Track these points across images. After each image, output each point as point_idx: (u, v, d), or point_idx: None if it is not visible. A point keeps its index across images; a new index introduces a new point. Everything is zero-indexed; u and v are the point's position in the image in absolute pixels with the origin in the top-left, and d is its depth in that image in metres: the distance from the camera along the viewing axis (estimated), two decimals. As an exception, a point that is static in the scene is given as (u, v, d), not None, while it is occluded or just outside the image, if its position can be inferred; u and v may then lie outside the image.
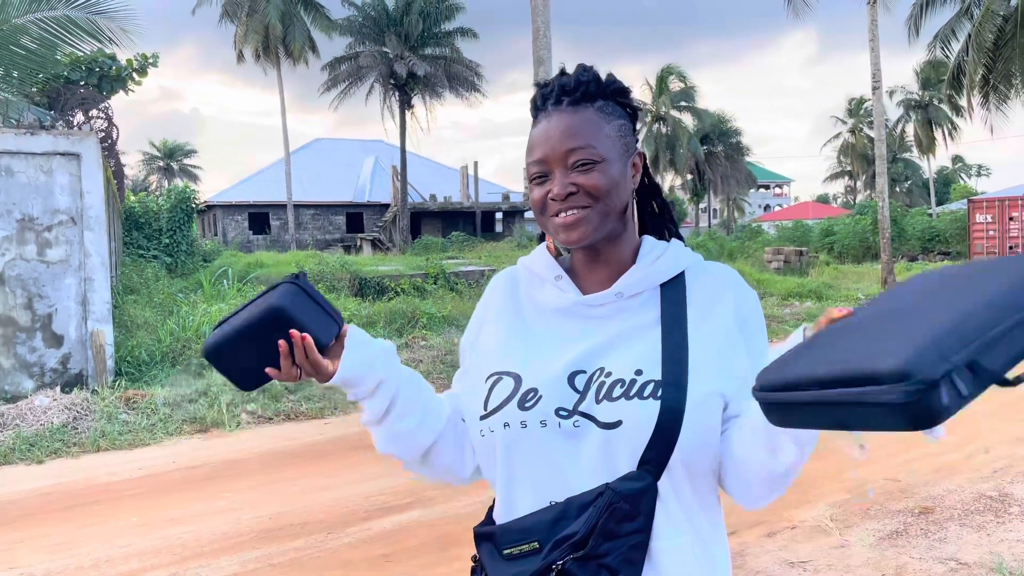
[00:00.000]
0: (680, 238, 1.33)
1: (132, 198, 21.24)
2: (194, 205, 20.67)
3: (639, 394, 1.13)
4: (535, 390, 1.18)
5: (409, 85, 30.64)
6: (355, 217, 38.20)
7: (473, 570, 1.27)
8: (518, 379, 1.20)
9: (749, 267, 19.82)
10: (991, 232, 27.09)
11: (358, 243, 35.02)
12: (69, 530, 4.56)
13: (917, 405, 0.82)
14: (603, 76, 1.25)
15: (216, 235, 36.10)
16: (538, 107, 1.26)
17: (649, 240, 1.29)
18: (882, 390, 0.82)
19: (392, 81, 30.45)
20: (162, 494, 5.18)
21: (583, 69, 1.25)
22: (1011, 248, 26.35)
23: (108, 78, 15.00)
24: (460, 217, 38.01)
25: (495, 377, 1.23)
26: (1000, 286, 0.85)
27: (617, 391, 1.14)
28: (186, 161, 62.88)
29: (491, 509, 1.29)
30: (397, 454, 1.30)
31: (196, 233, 22.59)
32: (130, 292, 12.55)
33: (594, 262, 1.27)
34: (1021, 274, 0.86)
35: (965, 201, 31.60)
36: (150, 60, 15.67)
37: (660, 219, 1.35)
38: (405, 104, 31.40)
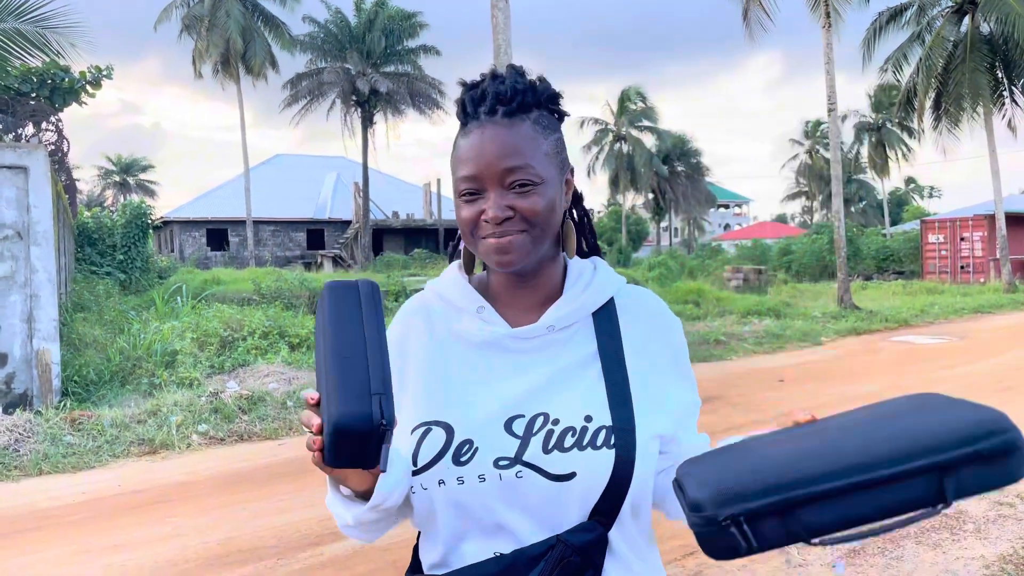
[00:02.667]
0: (598, 252, 1.28)
1: (86, 213, 20.79)
2: (150, 221, 20.33)
3: (592, 443, 1.07)
4: (470, 442, 1.10)
5: (371, 102, 30.55)
6: (316, 234, 37.86)
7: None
8: (449, 429, 1.11)
9: (709, 285, 19.99)
10: (943, 252, 27.73)
11: (319, 260, 34.70)
12: (5, 559, 4.35)
13: (705, 539, 0.86)
14: (536, 81, 1.17)
15: (173, 252, 35.52)
16: (467, 113, 1.15)
17: (575, 264, 1.22)
18: (689, 516, 0.88)
19: (354, 97, 30.33)
20: (105, 519, 4.99)
21: (517, 74, 1.16)
22: (962, 268, 26.99)
23: (60, 90, 14.69)
24: (423, 234, 37.88)
25: (423, 428, 1.12)
26: (869, 440, 0.86)
27: (568, 440, 1.07)
28: (143, 176, 61.87)
29: (416, 548, 1.21)
30: (358, 538, 1.17)
31: (152, 249, 22.18)
32: (80, 309, 12.23)
33: (520, 287, 1.19)
34: (889, 434, 0.86)
35: (918, 222, 32.32)
36: (104, 72, 15.37)
37: (581, 227, 1.27)
38: (367, 121, 31.28)
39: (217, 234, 36.60)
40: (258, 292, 14.51)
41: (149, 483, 5.80)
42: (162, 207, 35.93)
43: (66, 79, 15.17)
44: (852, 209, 55.32)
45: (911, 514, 0.82)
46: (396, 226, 36.69)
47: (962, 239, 27.31)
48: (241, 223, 33.95)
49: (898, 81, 24.32)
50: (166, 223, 35.95)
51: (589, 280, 1.20)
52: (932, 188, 75.28)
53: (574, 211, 1.26)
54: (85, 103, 16.31)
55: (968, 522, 4.61)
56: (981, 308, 17.88)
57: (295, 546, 4.43)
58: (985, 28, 22.01)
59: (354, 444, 0.90)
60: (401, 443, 1.13)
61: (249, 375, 8.91)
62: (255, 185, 33.68)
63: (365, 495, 1.04)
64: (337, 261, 33.43)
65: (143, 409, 7.34)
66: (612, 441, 1.07)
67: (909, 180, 71.60)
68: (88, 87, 15.68)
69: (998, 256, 23.60)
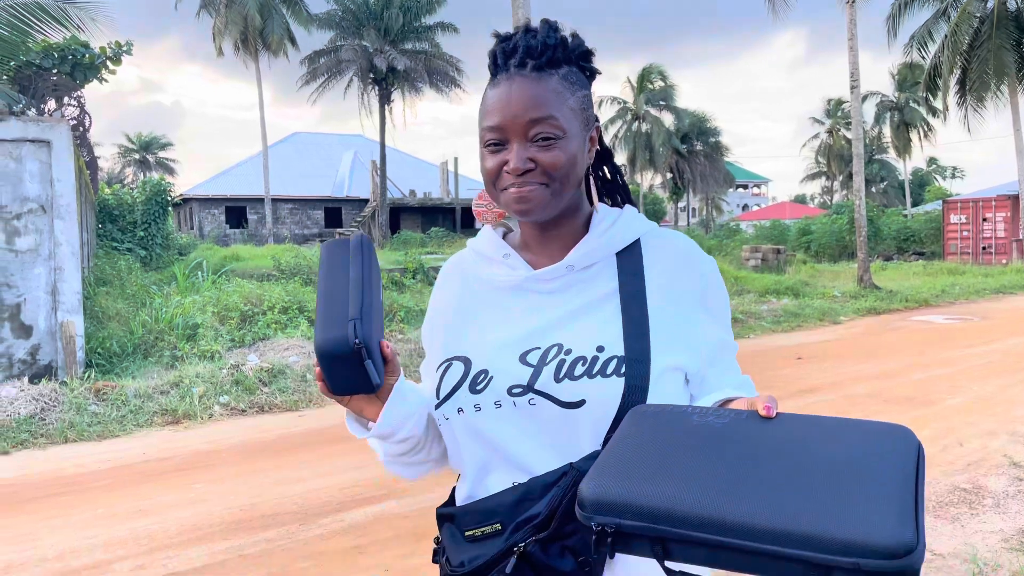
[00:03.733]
0: (632, 203, 1.29)
1: (106, 190, 20.94)
2: (169, 198, 20.43)
3: (602, 372, 1.09)
4: (485, 371, 1.14)
5: (388, 80, 30.47)
6: (334, 212, 37.97)
7: (435, 552, 1.22)
8: (467, 362, 1.17)
9: (727, 264, 19.88)
10: (965, 232, 27.41)
11: (337, 237, 34.80)
12: (33, 521, 4.45)
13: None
14: (569, 37, 1.18)
15: (192, 229, 35.73)
16: (498, 65, 1.17)
17: (602, 209, 1.24)
18: (869, 563, 0.79)
19: (371, 75, 30.27)
20: (130, 485, 5.08)
21: (550, 29, 1.17)
22: (984, 248, 26.67)
23: (81, 66, 14.76)
24: (440, 213, 37.88)
25: (445, 363, 1.19)
26: (775, 506, 0.83)
27: (579, 369, 1.10)
28: (162, 154, 62.12)
29: (454, 489, 1.25)
30: (399, 473, 1.29)
31: (172, 226, 22.32)
32: (102, 284, 12.35)
33: (545, 235, 1.23)
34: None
35: (940, 202, 31.95)
36: (124, 48, 15.43)
37: (612, 184, 1.30)
38: (385, 99, 31.23)
39: (236, 212, 36.78)
40: (277, 268, 14.60)
41: (172, 451, 5.89)
42: (182, 185, 36.19)
43: (86, 55, 15.25)
44: (873, 190, 54.78)
45: None
46: (413, 204, 36.71)
47: (984, 220, 26.97)
48: (260, 201, 34.10)
49: (923, 59, 23.97)
50: (186, 200, 36.14)
51: (613, 222, 1.21)
52: (955, 168, 74.26)
53: (604, 167, 1.28)
54: (105, 80, 16.41)
55: (987, 497, 4.60)
56: (1003, 289, 17.70)
57: (316, 512, 4.49)
58: (1012, 4, 21.62)
59: (340, 366, 1.01)
60: (429, 380, 1.20)
61: (269, 349, 8.99)
62: (273, 163, 33.80)
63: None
64: (355, 239, 33.50)
65: (166, 380, 7.44)
66: (623, 370, 1.09)
67: (931, 160, 70.73)
68: (108, 63, 15.76)
69: (1021, 237, 23.31)
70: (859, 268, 17.44)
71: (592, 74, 1.22)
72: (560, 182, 1.14)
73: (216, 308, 10.31)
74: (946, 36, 22.16)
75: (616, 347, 1.11)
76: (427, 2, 30.57)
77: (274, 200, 33.71)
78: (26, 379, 7.55)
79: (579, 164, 1.16)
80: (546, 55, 1.14)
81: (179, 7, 30.85)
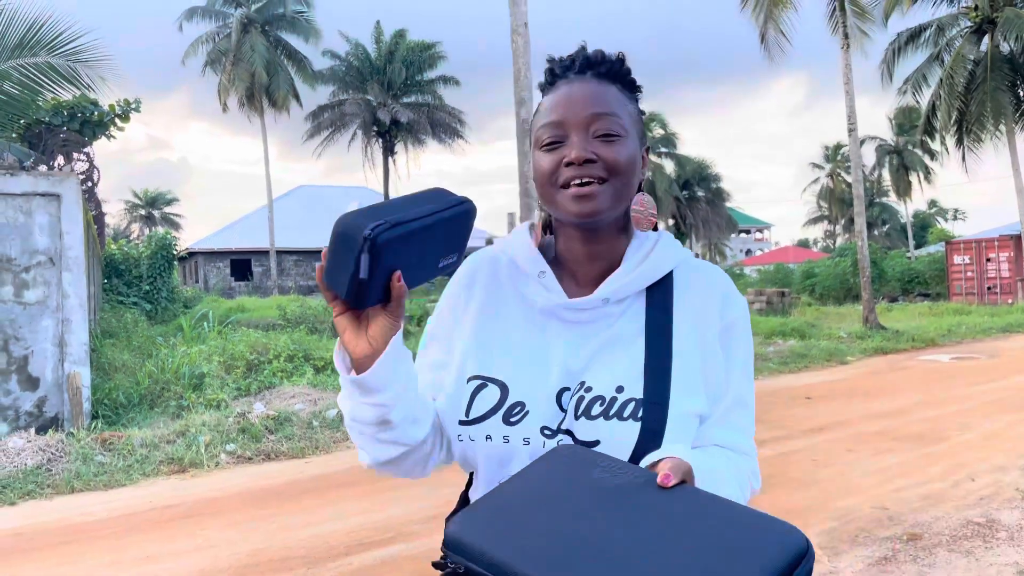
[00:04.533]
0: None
1: (112, 245, 21.13)
2: (175, 252, 20.61)
3: (619, 414, 1.08)
4: (522, 404, 1.13)
5: (392, 132, 30.92)
6: (338, 264, 38.10)
7: (443, 560, 1.22)
8: (504, 389, 1.14)
9: (732, 308, 19.86)
10: (969, 273, 27.43)
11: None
12: (41, 571, 4.41)
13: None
14: (622, 59, 1.21)
15: (197, 282, 35.92)
16: (556, 75, 1.19)
17: (639, 236, 1.22)
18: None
19: (375, 128, 30.72)
20: (137, 533, 5.05)
21: (603, 51, 1.20)
22: (989, 289, 26.66)
23: (90, 123, 15.01)
24: (443, 262, 38.00)
25: (479, 382, 1.16)
26: None
27: (596, 409, 1.10)
28: (168, 209, 62.83)
29: (462, 496, 1.25)
30: (362, 448, 1.17)
31: (177, 280, 22.47)
32: (108, 336, 12.41)
33: (588, 247, 1.19)
34: None
35: (943, 244, 32.03)
36: (132, 106, 15.70)
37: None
38: (388, 151, 31.64)
39: (241, 264, 37.00)
40: (283, 317, 14.66)
41: (179, 499, 5.86)
42: (187, 239, 36.50)
43: (95, 112, 15.51)
44: (875, 232, 54.97)
45: None
46: (418, 254, 36.87)
47: (988, 260, 27.01)
48: (264, 253, 34.34)
49: (917, 102, 24.27)
50: (191, 254, 36.42)
51: (648, 252, 1.19)
52: (956, 210, 74.60)
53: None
54: (114, 136, 16.65)
55: (1001, 530, 4.55)
56: (1009, 327, 17.66)
57: (324, 556, 4.45)
58: (1005, 47, 21.96)
59: (340, 249, 0.97)
60: (456, 392, 1.16)
61: (275, 397, 8.98)
62: (279, 216, 34.11)
63: (360, 370, 1.05)
64: (359, 290, 33.62)
65: (172, 430, 7.42)
66: (639, 414, 1.08)
67: (932, 203, 71.08)
68: (117, 120, 16.01)
69: (1025, 276, 23.31)
70: (864, 308, 17.43)
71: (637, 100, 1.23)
72: (620, 181, 1.12)
73: (222, 357, 10.33)
74: (941, 80, 22.47)
75: (635, 389, 1.10)
76: (428, 56, 31.18)
77: (279, 252, 33.95)
78: (32, 430, 7.54)
79: (636, 171, 1.16)
80: (605, 66, 1.17)
81: (186, 64, 31.49)
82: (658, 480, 0.92)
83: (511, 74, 10.27)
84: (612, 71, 1.17)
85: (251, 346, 10.74)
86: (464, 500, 1.24)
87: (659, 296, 1.17)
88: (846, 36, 17.74)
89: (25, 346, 8.12)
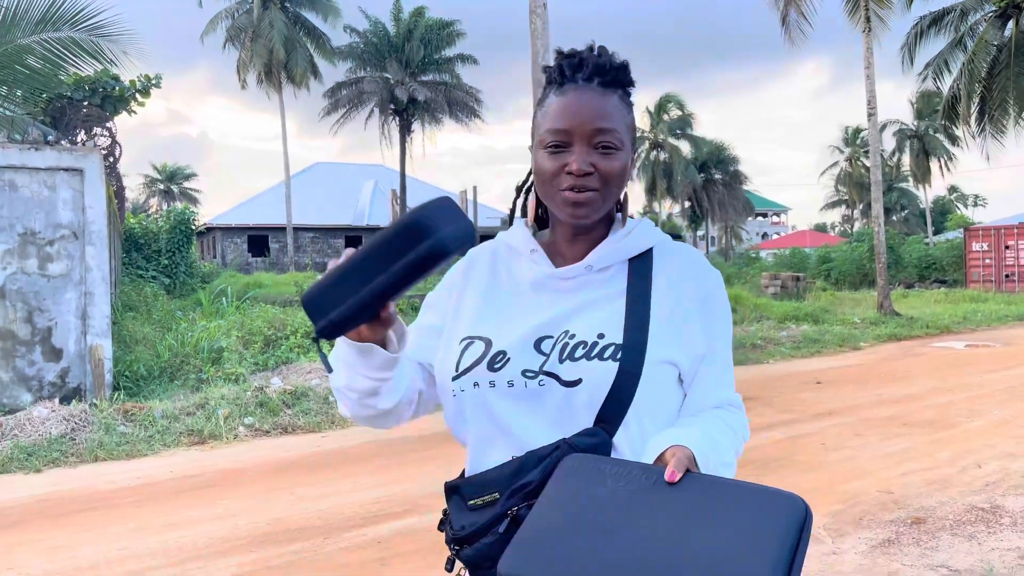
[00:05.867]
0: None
1: (132, 219, 21.34)
2: (193, 227, 20.79)
3: (599, 355, 1.20)
4: (503, 352, 1.25)
5: (409, 110, 30.90)
6: (354, 240, 38.32)
7: (441, 521, 1.33)
8: (488, 343, 1.27)
9: (746, 292, 19.90)
10: (987, 260, 27.21)
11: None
12: (67, 534, 4.58)
13: None
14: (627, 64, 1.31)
15: (215, 257, 36.20)
16: (564, 76, 1.28)
17: (625, 222, 1.35)
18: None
19: (392, 106, 30.71)
20: (159, 501, 5.20)
21: (610, 54, 1.29)
22: (1007, 276, 26.48)
23: (111, 98, 15.16)
24: (459, 241, 38.07)
25: (467, 341, 1.29)
26: None
27: (579, 352, 1.21)
28: (186, 184, 63.14)
29: (447, 486, 1.36)
30: (343, 400, 1.30)
31: (195, 255, 22.68)
32: (129, 309, 12.60)
33: (576, 236, 1.33)
34: None
35: (961, 230, 31.78)
36: (153, 81, 15.84)
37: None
38: (405, 129, 31.65)
39: (258, 240, 37.24)
40: (300, 293, 14.78)
41: (199, 470, 6.02)
42: (205, 214, 36.67)
43: (116, 88, 15.66)
44: (894, 218, 54.56)
45: None
46: (433, 233, 36.95)
47: (1007, 247, 26.79)
48: (281, 230, 34.52)
49: (938, 87, 24.00)
50: (209, 230, 36.65)
51: (630, 230, 1.33)
52: (977, 196, 73.83)
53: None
54: (134, 111, 16.82)
55: (1005, 516, 4.62)
56: (1025, 316, 17.59)
57: (340, 527, 4.59)
58: (1030, 32, 21.64)
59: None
60: (448, 353, 1.30)
61: (292, 372, 9.14)
62: (295, 193, 34.25)
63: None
64: (375, 267, 33.76)
65: (192, 402, 7.58)
66: (618, 356, 1.20)
67: (952, 189, 70.45)
68: (137, 95, 16.16)
69: (1044, 264, 23.13)
70: (879, 295, 17.40)
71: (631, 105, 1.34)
72: (611, 190, 1.26)
73: (240, 332, 10.49)
74: (963, 64, 22.21)
75: (616, 336, 1.22)
76: (447, 34, 31.06)
77: (296, 229, 34.14)
78: (56, 400, 7.72)
79: (626, 178, 1.29)
80: (611, 75, 1.27)
81: (205, 41, 31.56)
82: (666, 478, 1.03)
83: (529, 54, 10.28)
84: (616, 79, 1.28)
85: (269, 322, 10.89)
86: (463, 473, 1.34)
87: (640, 267, 1.30)
88: (868, 19, 17.58)
89: (49, 318, 8.29)
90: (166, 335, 10.33)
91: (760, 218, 77.85)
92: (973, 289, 25.76)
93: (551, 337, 1.25)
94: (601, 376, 1.19)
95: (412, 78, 30.59)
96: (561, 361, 1.22)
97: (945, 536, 4.32)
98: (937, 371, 10.33)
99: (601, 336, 1.22)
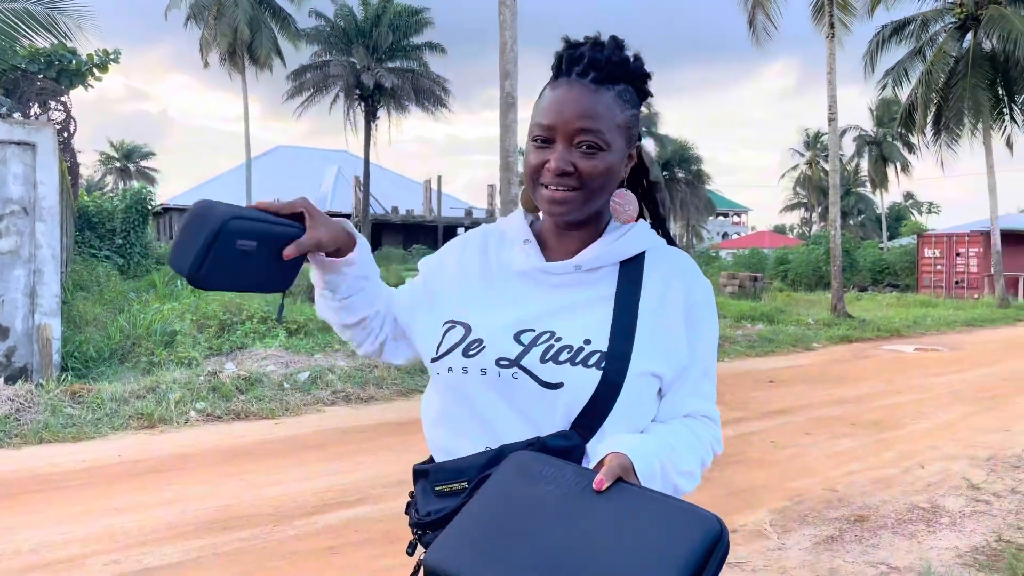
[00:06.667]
0: (662, 225, 1.39)
1: (86, 197, 20.87)
2: (150, 207, 20.41)
3: (584, 362, 1.19)
4: (480, 340, 1.25)
5: (375, 97, 30.62)
6: (315, 226, 37.86)
7: (408, 505, 1.34)
8: (468, 328, 1.27)
9: (704, 290, 20.06)
10: (939, 266, 27.91)
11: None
12: (7, 516, 4.47)
13: None
14: (631, 58, 1.27)
15: (172, 239, 35.54)
16: (561, 70, 1.26)
17: (617, 223, 1.33)
18: None
19: (358, 92, 30.41)
20: (105, 485, 5.11)
21: (616, 47, 1.26)
22: (957, 283, 27.16)
23: (67, 72, 14.79)
24: (422, 231, 38.00)
25: (449, 324, 1.29)
26: None
27: (564, 355, 1.20)
28: (144, 163, 61.86)
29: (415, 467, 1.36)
30: (320, 308, 1.48)
31: (151, 235, 22.27)
32: (80, 289, 12.34)
33: (566, 233, 1.32)
34: None
35: (915, 236, 32.50)
36: (111, 56, 15.48)
37: (645, 197, 1.39)
38: (370, 115, 31.37)
39: (217, 223, 36.63)
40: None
41: (148, 454, 5.92)
42: (164, 195, 36.05)
43: (73, 61, 15.27)
44: (851, 222, 55.52)
45: None
46: (395, 221, 36.82)
47: (958, 255, 27.51)
48: (241, 213, 33.97)
49: (896, 95, 24.49)
50: (166, 210, 36.03)
51: (624, 232, 1.31)
52: (931, 204, 75.49)
53: (643, 181, 1.39)
54: (91, 86, 16.42)
55: (944, 515, 4.74)
56: (973, 321, 18.05)
57: (291, 515, 4.55)
58: (987, 45, 22.18)
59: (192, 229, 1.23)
60: (431, 334, 1.33)
61: (247, 357, 9.02)
62: (256, 176, 33.76)
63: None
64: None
65: (142, 385, 7.45)
66: (602, 364, 1.19)
67: (908, 195, 71.84)
68: (95, 70, 15.78)
69: (992, 272, 23.77)
70: (833, 297, 17.73)
71: (645, 96, 1.31)
72: (591, 190, 1.23)
73: (195, 316, 10.33)
74: (922, 74, 22.68)
75: (601, 343, 1.21)
76: (416, 22, 30.82)
77: (256, 212, 33.61)
78: (1, 380, 7.53)
79: (614, 177, 1.26)
80: (607, 70, 1.23)
81: (169, 17, 30.89)
82: (594, 486, 1.04)
83: (497, 43, 10.25)
84: (615, 74, 1.24)
85: (224, 306, 10.73)
86: (417, 472, 1.33)
87: (631, 271, 1.28)
88: (832, 25, 17.85)
89: (-4, 295, 8.07)
90: (118, 316, 10.13)
91: (721, 218, 78.68)
92: (924, 294, 26.39)
93: (532, 331, 1.24)
94: (583, 383, 1.19)
95: (379, 64, 30.30)
96: (543, 361, 1.21)
97: (886, 534, 4.42)
98: (886, 373, 10.56)
99: (587, 342, 1.21)
